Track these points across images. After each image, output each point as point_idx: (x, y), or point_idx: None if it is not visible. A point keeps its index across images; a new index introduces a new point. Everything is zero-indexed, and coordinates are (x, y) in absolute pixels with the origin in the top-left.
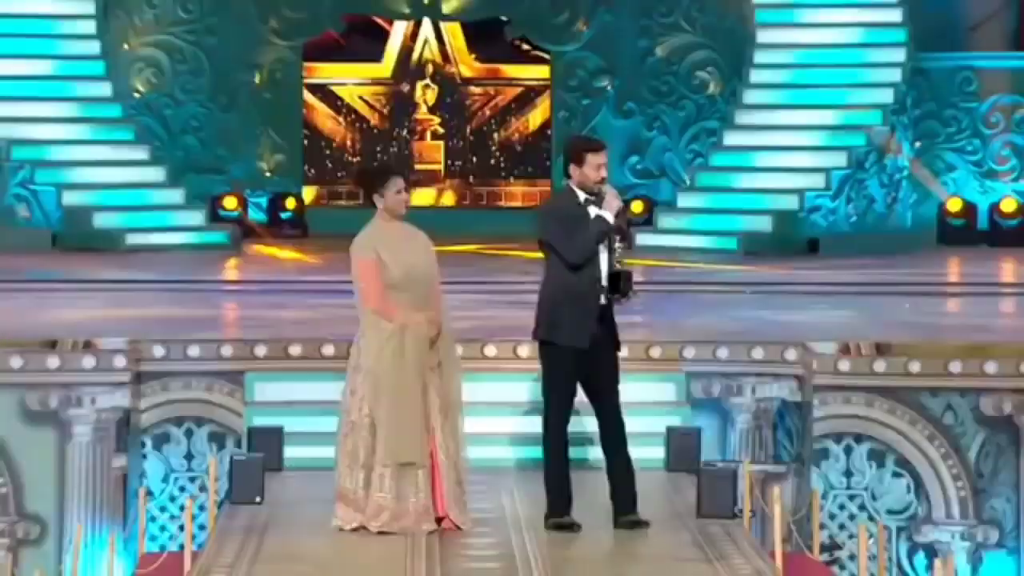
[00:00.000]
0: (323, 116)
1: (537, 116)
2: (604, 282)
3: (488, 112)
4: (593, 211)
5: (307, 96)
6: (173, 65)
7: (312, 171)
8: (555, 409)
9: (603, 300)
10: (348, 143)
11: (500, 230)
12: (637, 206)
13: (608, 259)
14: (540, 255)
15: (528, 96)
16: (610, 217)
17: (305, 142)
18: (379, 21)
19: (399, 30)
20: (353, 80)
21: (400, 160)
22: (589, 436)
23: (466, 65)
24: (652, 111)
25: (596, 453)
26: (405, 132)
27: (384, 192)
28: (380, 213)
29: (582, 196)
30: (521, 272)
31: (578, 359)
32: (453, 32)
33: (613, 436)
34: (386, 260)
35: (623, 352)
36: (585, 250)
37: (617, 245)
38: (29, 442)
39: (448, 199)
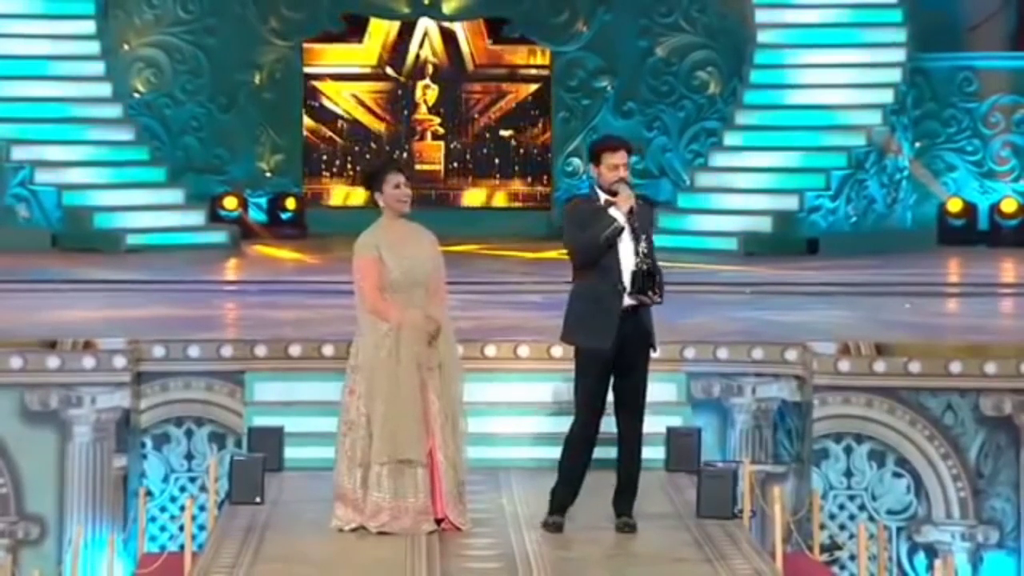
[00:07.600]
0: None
1: (537, 116)
2: (626, 282)
3: (487, 112)
4: (613, 211)
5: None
6: (173, 65)
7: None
8: (578, 414)
9: (628, 300)
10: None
11: (500, 230)
12: None
13: (636, 258)
14: (542, 255)
15: (528, 96)
16: (621, 217)
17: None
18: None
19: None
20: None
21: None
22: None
23: (466, 64)
24: (652, 111)
25: (596, 453)
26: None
27: (383, 188)
28: (384, 212)
29: (603, 197)
30: (521, 272)
31: (605, 362)
32: (449, 32)
33: (626, 444)
34: (387, 259)
35: (655, 353)
36: (588, 249)
37: (642, 246)
38: (29, 442)
39: (448, 199)
